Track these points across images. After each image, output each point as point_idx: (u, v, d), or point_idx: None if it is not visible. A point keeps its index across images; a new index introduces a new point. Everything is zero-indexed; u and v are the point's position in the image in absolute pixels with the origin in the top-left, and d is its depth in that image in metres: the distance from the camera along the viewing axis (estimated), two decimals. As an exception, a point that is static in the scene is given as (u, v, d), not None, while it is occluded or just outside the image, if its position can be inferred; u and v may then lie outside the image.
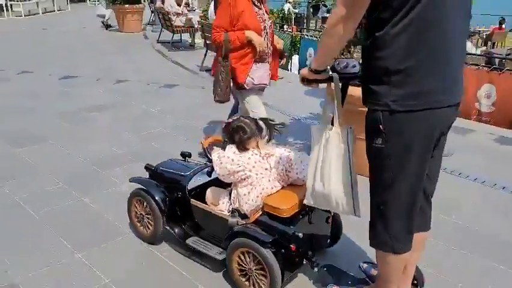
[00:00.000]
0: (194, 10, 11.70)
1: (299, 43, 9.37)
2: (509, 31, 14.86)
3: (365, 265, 2.43)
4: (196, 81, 7.33)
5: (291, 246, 2.21)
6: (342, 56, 3.64)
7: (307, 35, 9.65)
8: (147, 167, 2.90)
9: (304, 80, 2.01)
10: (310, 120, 5.28)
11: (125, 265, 2.60)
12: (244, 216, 2.38)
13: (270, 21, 3.50)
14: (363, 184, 1.96)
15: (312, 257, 2.39)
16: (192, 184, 2.67)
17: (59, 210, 3.20)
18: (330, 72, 1.94)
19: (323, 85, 2.05)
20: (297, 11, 16.94)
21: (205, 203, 2.59)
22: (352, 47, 3.82)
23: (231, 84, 3.40)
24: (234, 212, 2.41)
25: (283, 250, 2.23)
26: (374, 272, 2.34)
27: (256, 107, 3.45)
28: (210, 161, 2.47)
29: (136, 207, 2.83)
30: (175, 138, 4.68)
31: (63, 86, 6.80)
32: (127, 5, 12.05)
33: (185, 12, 10.40)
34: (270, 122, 2.51)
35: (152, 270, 2.57)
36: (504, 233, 2.98)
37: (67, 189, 3.50)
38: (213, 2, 7.17)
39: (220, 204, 2.52)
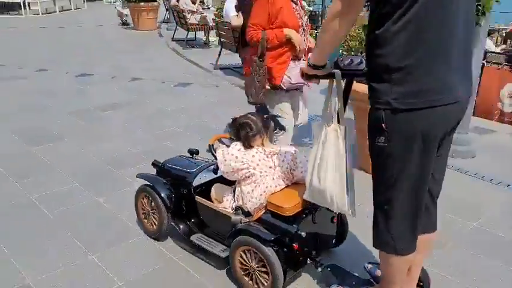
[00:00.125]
0: (208, 8, 11.72)
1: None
2: (530, 28, 14.49)
3: (370, 266, 2.39)
4: (210, 79, 7.30)
5: (294, 245, 2.18)
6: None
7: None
8: (154, 163, 2.91)
9: (304, 75, 2.00)
10: (321, 119, 5.17)
11: (138, 268, 2.58)
12: (247, 214, 2.36)
13: (306, 17, 3.35)
14: (368, 182, 1.91)
15: (316, 257, 2.36)
16: (198, 181, 2.68)
17: (74, 210, 3.20)
18: (333, 69, 1.90)
19: (325, 81, 2.01)
20: (311, 8, 16.80)
21: (210, 200, 2.59)
22: None
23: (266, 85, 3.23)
24: (238, 209, 2.40)
25: (285, 249, 2.21)
26: (378, 272, 2.30)
27: (285, 113, 3.34)
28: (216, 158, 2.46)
29: (143, 203, 2.84)
30: (189, 137, 4.66)
31: (79, 84, 6.84)
32: (142, 3, 12.06)
33: (200, 10, 10.40)
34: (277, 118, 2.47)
35: (166, 274, 2.54)
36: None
37: (81, 189, 3.50)
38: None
39: (224, 202, 2.52)
